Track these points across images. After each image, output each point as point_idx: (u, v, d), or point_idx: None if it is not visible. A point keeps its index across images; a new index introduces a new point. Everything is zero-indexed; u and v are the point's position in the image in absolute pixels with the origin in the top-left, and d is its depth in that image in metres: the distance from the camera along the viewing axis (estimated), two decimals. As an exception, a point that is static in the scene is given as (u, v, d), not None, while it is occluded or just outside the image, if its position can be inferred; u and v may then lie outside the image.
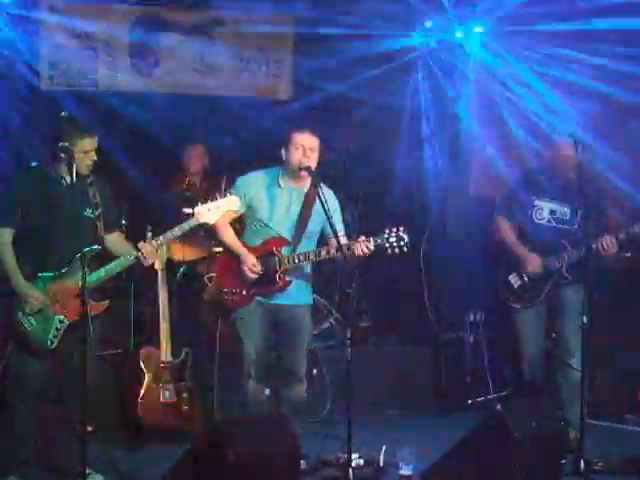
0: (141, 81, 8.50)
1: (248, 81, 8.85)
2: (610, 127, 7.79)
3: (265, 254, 6.20)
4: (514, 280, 6.95)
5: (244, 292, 6.22)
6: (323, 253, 6.13)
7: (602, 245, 6.54)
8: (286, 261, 6.17)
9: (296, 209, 6.25)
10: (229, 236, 6.29)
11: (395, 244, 6.02)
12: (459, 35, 8.61)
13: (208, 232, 6.66)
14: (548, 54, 8.01)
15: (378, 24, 8.18)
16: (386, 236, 6.03)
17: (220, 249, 6.61)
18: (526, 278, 6.90)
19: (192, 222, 5.85)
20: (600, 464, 6.24)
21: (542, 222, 6.89)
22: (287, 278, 6.20)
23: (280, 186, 6.25)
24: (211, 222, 5.90)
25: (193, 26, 8.58)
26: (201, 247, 7.72)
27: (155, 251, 5.87)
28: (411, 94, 8.81)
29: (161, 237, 5.91)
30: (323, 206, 5.89)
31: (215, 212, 5.86)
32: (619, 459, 6.38)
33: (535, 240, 6.91)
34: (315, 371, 7.58)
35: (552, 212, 6.87)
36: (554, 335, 7.04)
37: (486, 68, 8.53)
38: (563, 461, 5.96)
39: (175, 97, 8.55)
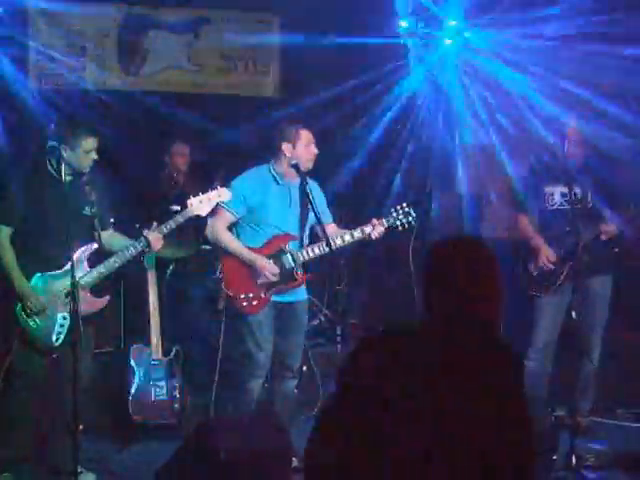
0: (128, 79, 8.53)
1: (234, 79, 8.85)
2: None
3: (273, 252, 6.11)
4: (533, 268, 6.75)
5: (262, 294, 6.09)
6: (339, 241, 6.07)
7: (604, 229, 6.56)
8: (300, 256, 6.11)
9: (297, 204, 6.19)
10: (234, 243, 6.14)
11: (404, 220, 6.13)
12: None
13: (212, 244, 6.45)
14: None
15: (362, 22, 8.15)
16: (394, 214, 6.12)
17: (207, 247, 6.60)
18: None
19: (186, 214, 5.88)
20: (591, 459, 6.24)
21: (555, 207, 6.75)
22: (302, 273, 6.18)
23: (279, 183, 6.16)
24: (203, 214, 5.92)
25: (179, 24, 8.62)
26: (189, 244, 7.68)
27: (161, 239, 5.86)
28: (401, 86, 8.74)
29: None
30: (310, 200, 5.87)
31: (207, 204, 5.89)
32: (610, 454, 6.39)
33: (551, 226, 6.76)
34: (305, 368, 7.48)
35: (563, 195, 6.72)
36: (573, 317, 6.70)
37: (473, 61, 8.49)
38: (554, 457, 5.99)
39: (162, 95, 8.50)
